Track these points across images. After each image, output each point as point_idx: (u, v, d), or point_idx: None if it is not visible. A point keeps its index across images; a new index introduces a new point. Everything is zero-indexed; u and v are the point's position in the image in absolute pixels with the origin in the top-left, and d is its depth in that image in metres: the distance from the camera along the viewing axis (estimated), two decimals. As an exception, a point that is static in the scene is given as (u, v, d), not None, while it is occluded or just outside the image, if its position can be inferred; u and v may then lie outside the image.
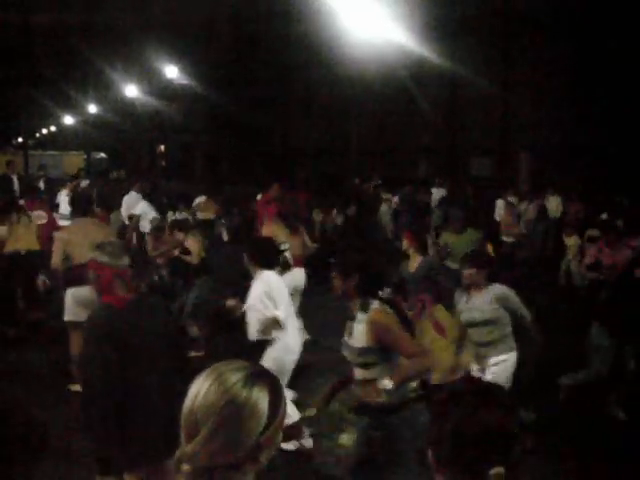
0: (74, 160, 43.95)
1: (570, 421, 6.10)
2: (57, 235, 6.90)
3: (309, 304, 8.28)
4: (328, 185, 24.46)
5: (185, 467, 1.55)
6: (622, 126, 19.45)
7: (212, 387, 1.55)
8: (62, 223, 11.29)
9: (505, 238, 13.50)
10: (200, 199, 14.87)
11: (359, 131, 30.87)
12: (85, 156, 47.31)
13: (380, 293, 3.94)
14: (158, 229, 9.61)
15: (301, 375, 5.83)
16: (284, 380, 5.14)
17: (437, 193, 18.89)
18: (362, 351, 3.76)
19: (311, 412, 5.52)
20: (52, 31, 31.79)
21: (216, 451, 1.53)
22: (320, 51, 27.95)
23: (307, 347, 5.92)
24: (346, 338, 3.90)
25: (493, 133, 25.18)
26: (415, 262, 6.79)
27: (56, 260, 6.53)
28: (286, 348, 5.26)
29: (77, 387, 5.62)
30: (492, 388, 1.62)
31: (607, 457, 5.39)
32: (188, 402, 1.57)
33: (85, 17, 30.30)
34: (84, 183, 19.18)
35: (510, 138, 24.70)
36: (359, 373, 3.82)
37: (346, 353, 3.89)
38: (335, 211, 16.15)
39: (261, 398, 1.56)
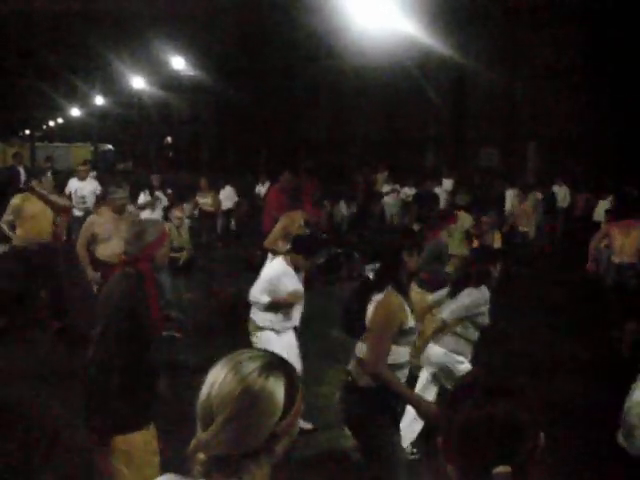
0: (82, 152, 43.92)
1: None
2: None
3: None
4: (334, 176, 24.41)
5: (200, 455, 1.56)
6: (630, 116, 19.35)
7: (228, 376, 1.56)
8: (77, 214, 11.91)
9: (527, 229, 13.58)
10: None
11: (366, 122, 30.80)
12: (92, 148, 47.31)
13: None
14: None
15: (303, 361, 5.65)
16: None
17: (446, 184, 18.74)
18: None
19: None
20: (58, 22, 31.76)
21: (231, 440, 1.53)
22: (327, 41, 27.87)
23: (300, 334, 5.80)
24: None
25: (500, 123, 25.09)
26: None
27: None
28: None
29: None
30: (507, 384, 1.57)
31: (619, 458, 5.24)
32: (204, 390, 1.57)
33: (92, 7, 30.28)
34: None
35: (518, 128, 24.61)
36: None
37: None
38: (343, 202, 16.12)
39: (277, 388, 1.56)
